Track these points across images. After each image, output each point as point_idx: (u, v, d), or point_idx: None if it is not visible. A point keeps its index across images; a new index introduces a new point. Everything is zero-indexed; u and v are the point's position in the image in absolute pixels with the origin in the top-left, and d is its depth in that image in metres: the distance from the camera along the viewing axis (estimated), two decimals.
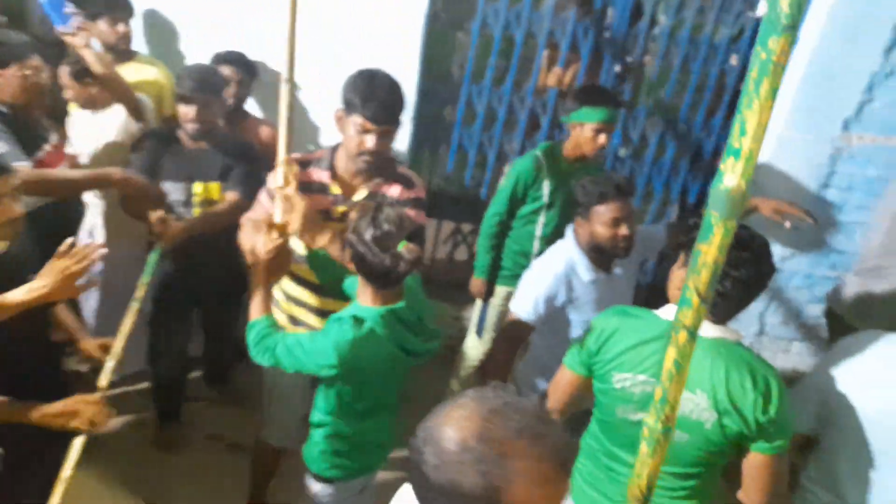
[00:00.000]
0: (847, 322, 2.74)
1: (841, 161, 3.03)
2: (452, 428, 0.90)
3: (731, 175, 0.77)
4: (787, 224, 2.50)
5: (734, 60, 3.05)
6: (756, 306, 3.36)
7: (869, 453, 1.61)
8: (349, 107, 1.81)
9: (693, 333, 0.88)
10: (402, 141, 3.02)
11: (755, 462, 1.50)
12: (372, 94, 1.78)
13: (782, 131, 3.00)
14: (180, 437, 2.80)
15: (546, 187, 2.57)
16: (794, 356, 3.45)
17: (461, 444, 0.88)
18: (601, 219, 2.04)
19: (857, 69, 2.86)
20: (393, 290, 1.69)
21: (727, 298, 1.47)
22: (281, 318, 2.10)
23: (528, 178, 2.57)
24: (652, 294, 3.38)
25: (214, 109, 2.40)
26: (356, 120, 1.80)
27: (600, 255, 2.13)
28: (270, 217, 1.82)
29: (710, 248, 0.82)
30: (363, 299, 1.71)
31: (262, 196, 2.02)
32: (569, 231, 2.17)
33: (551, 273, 2.09)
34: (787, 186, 3.04)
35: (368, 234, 1.59)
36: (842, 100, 2.92)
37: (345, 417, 1.81)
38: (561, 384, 1.77)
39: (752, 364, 1.47)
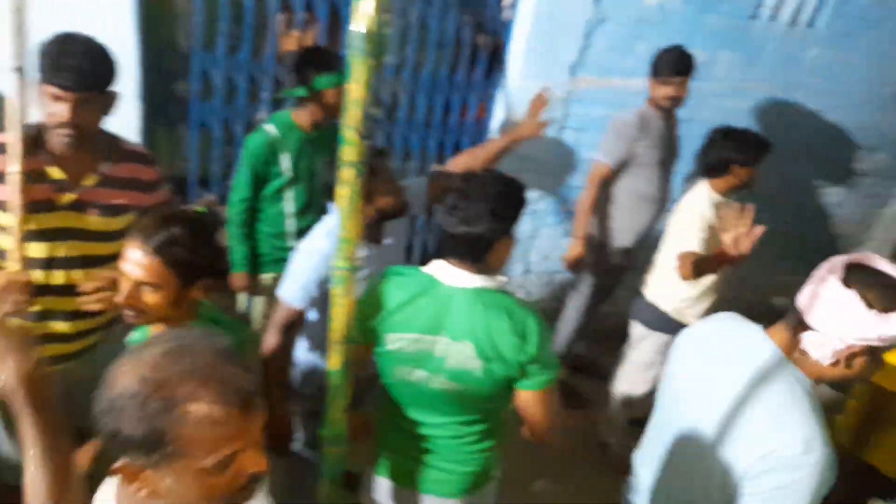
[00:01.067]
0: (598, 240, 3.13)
1: (572, 104, 3.29)
2: (121, 373, 0.89)
3: (362, 19, 0.80)
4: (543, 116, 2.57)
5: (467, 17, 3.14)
6: (520, 248, 3.59)
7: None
8: (42, 75, 1.58)
9: (358, 167, 0.90)
10: (131, 122, 2.68)
11: (525, 399, 1.57)
12: (63, 58, 1.56)
13: (519, 82, 3.17)
14: None
15: (286, 161, 2.44)
16: (556, 287, 3.76)
17: (125, 389, 0.87)
18: (382, 190, 1.98)
19: (575, 17, 3.10)
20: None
21: (474, 239, 1.48)
22: None
23: (263, 154, 2.41)
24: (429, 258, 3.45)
25: None
26: (50, 89, 1.58)
27: (370, 229, 2.08)
28: None
29: (357, 86, 0.84)
30: (160, 325, 1.45)
31: None
32: (333, 208, 2.08)
33: (319, 255, 1.99)
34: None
35: (171, 235, 1.37)
36: (566, 46, 3.16)
37: None
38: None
39: (510, 308, 1.51)
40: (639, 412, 3.12)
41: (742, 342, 1.42)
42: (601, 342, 3.75)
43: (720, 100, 3.48)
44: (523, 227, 3.53)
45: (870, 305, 1.22)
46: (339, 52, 2.64)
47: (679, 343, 1.61)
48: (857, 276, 1.25)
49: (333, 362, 1.09)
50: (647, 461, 1.66)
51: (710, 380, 1.44)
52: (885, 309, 1.22)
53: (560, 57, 3.17)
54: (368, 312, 1.60)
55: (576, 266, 3.16)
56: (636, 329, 2.92)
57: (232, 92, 2.92)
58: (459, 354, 1.51)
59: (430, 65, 3.14)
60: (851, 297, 1.23)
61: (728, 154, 2.56)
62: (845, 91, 3.82)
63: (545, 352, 1.52)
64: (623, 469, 3.02)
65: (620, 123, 2.93)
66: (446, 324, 1.51)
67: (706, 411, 1.41)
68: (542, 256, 3.68)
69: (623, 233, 3.12)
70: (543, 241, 3.63)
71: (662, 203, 3.12)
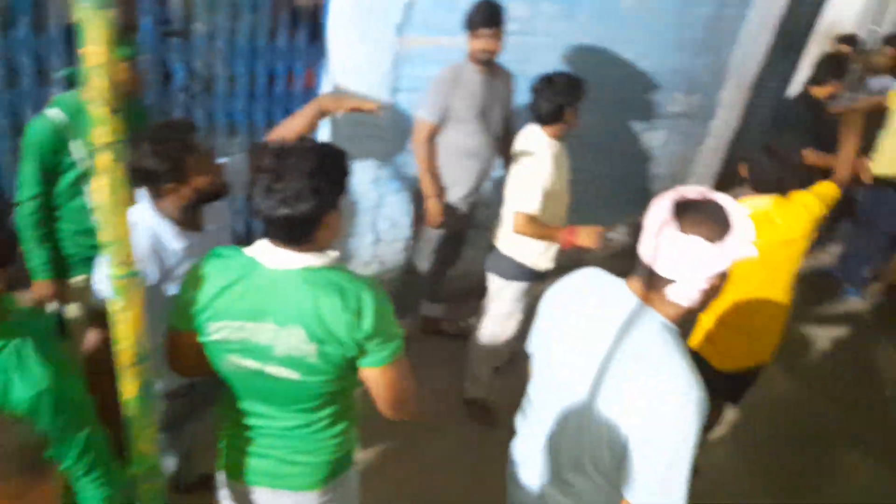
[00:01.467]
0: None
1: (402, 65, 3.20)
2: None
3: None
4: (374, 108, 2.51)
5: None
6: (368, 217, 3.50)
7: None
8: None
9: (116, 150, 0.78)
10: None
11: (370, 377, 1.51)
12: None
13: (346, 48, 3.03)
14: None
15: (80, 148, 2.16)
16: (407, 251, 3.71)
17: None
18: (198, 167, 1.83)
19: None
20: None
21: (297, 220, 1.37)
22: None
23: (50, 143, 2.13)
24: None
25: None
26: None
27: (189, 215, 1.90)
28: None
29: (97, 47, 0.71)
30: None
31: None
32: (141, 200, 1.87)
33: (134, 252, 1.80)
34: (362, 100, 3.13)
35: None
36: (390, 6, 3.04)
37: None
38: (175, 348, 1.58)
39: (341, 285, 1.42)
40: (502, 360, 3.18)
41: (608, 298, 1.43)
42: (458, 302, 3.78)
43: (544, 53, 3.55)
44: (368, 195, 3.44)
45: (711, 240, 1.27)
46: (133, 20, 2.37)
47: (547, 302, 1.60)
48: (689, 217, 1.29)
49: (128, 389, 0.94)
50: (532, 421, 1.65)
51: (583, 338, 1.44)
52: (722, 234, 1.28)
53: (385, 17, 3.06)
54: (191, 299, 1.47)
55: (440, 225, 3.15)
56: (494, 282, 2.96)
57: (13, 74, 2.55)
58: (290, 340, 1.41)
59: (246, 31, 2.91)
60: (694, 241, 1.28)
61: (560, 99, 2.64)
62: (658, 38, 4.04)
63: (384, 325, 1.45)
64: (492, 421, 3.11)
65: (435, 78, 2.95)
66: (272, 309, 1.41)
67: (584, 371, 1.41)
68: (392, 224, 3.62)
69: (452, 189, 3.14)
70: (391, 209, 3.55)
71: (488, 158, 3.15)
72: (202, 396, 2.14)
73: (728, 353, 2.52)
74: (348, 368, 1.48)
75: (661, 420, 1.28)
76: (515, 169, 2.76)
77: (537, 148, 2.69)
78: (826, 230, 4.88)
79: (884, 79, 4.86)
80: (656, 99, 4.31)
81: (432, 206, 3.09)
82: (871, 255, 4.69)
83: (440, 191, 3.12)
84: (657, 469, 1.29)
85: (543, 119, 2.69)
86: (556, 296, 1.58)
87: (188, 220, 1.90)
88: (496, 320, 3.02)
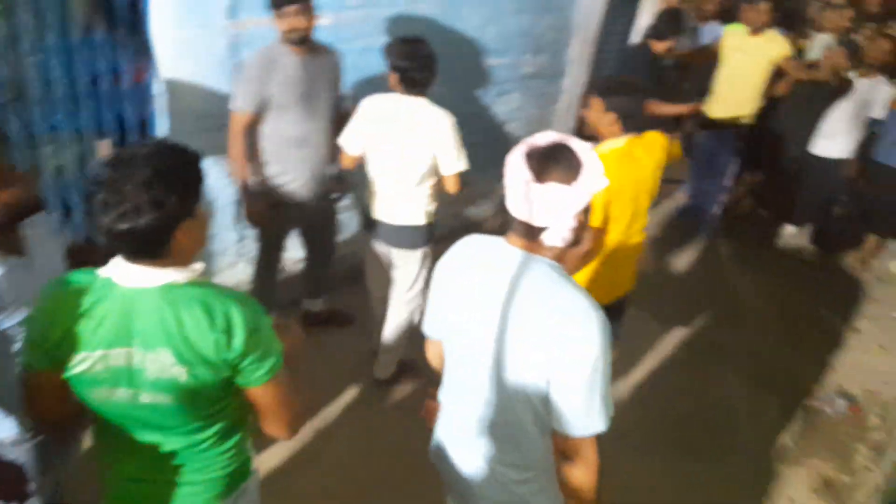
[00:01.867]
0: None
1: (241, 48, 3.02)
2: None
3: None
4: None
5: None
6: (228, 215, 3.31)
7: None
8: None
9: None
10: None
11: (250, 396, 1.42)
12: None
13: (174, 34, 2.80)
14: None
15: None
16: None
17: None
18: (3, 180, 1.64)
19: None
20: None
21: (143, 234, 1.23)
22: None
23: None
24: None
25: None
26: None
27: (3, 237, 1.68)
28: None
29: None
30: None
31: None
32: None
33: None
34: (201, 91, 2.93)
35: None
36: None
37: None
38: (34, 390, 1.43)
39: (207, 301, 1.31)
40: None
41: (493, 259, 1.48)
42: (337, 290, 3.69)
43: (388, 26, 3.48)
44: (224, 192, 3.24)
45: (566, 182, 1.36)
46: None
47: (438, 277, 1.62)
48: (541, 166, 1.37)
49: None
50: (455, 399, 1.65)
51: (478, 306, 1.47)
52: (576, 174, 1.37)
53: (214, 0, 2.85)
54: (41, 334, 1.32)
55: (261, 220, 2.99)
56: (410, 256, 2.91)
57: None
58: (157, 364, 1.29)
59: (56, 27, 2.62)
60: (552, 188, 1.35)
61: (431, 65, 2.68)
62: (500, 2, 4.07)
63: (258, 342, 1.34)
64: (419, 374, 3.08)
65: (245, 65, 2.76)
66: (134, 332, 1.29)
67: (491, 336, 1.45)
68: None
69: (288, 181, 2.96)
70: None
71: (321, 144, 2.98)
72: (62, 434, 1.95)
73: (603, 286, 2.62)
74: (226, 388, 1.38)
75: (565, 365, 1.34)
76: (415, 138, 2.69)
77: (431, 112, 2.68)
78: (676, 173, 5.21)
79: (714, 26, 5.20)
80: (506, 63, 4.35)
81: (253, 204, 2.92)
82: (716, 192, 5.05)
83: (260, 182, 2.94)
84: (579, 400, 1.37)
85: (420, 86, 2.67)
86: (444, 268, 1.60)
87: (4, 242, 1.68)
88: (415, 290, 2.99)
